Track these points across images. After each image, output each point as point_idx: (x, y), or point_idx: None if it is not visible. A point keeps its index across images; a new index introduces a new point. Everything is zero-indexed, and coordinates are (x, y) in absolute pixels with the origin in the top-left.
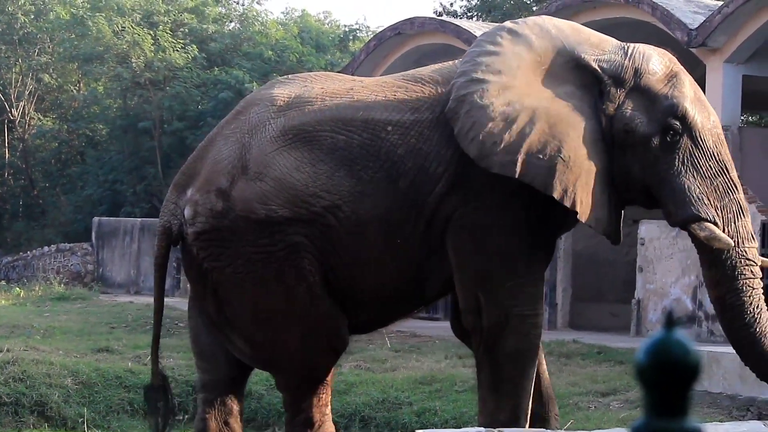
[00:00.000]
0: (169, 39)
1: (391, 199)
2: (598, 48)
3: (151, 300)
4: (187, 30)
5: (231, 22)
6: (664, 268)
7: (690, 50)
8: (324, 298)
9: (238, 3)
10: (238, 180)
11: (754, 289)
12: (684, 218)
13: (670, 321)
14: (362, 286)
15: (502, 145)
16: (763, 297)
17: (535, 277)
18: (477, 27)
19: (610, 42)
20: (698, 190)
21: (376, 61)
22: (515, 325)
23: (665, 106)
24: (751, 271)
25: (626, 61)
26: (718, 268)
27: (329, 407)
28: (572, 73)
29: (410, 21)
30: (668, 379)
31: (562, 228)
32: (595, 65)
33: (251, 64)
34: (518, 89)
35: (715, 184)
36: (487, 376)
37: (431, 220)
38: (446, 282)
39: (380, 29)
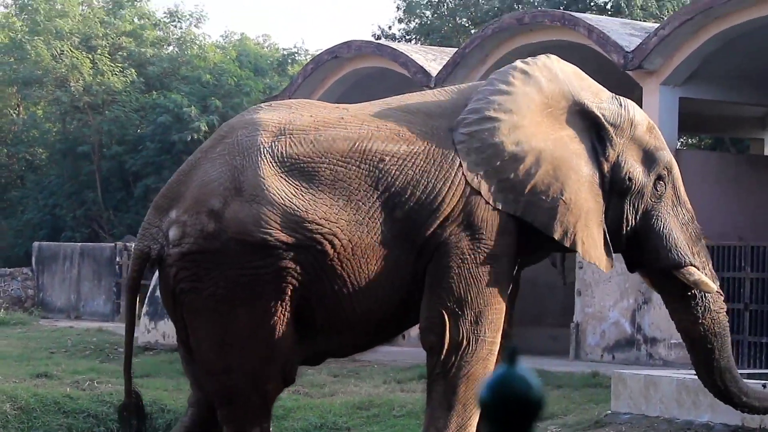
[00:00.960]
0: (108, 63)
1: (387, 228)
2: (598, 96)
3: (90, 325)
4: (125, 54)
5: (169, 45)
6: (603, 291)
7: (626, 73)
8: (291, 324)
9: (176, 26)
10: (232, 202)
11: (725, 322)
12: (673, 264)
13: (513, 357)
14: (348, 312)
15: (509, 184)
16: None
17: (499, 307)
18: (414, 50)
19: (605, 92)
20: (682, 237)
21: (313, 85)
22: (475, 349)
23: (657, 158)
24: (724, 309)
25: (623, 112)
26: (698, 306)
27: None
28: (575, 117)
29: (347, 44)
30: (511, 414)
31: (528, 262)
32: (598, 113)
33: (189, 88)
34: (527, 129)
35: (690, 230)
36: (440, 394)
37: (421, 250)
38: None
39: (318, 52)
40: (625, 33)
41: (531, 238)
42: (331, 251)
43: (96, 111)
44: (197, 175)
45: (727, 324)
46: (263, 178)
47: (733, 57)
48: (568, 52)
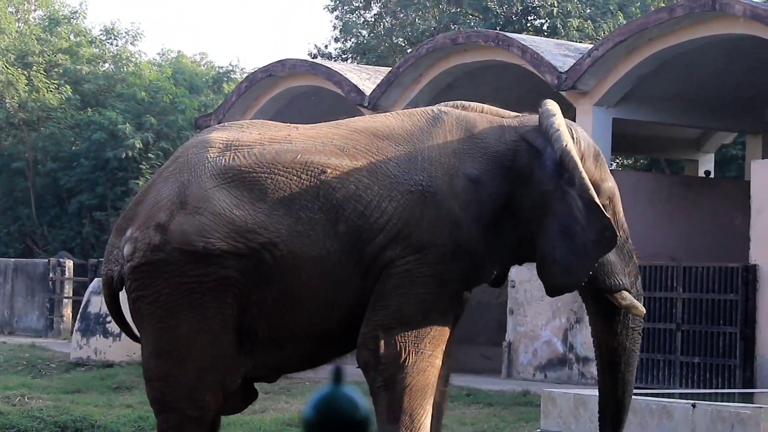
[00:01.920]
0: (44, 79)
1: (331, 241)
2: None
3: (23, 340)
4: (61, 71)
5: (105, 62)
6: (535, 310)
7: (560, 93)
8: (232, 334)
9: (112, 44)
10: (177, 214)
11: (639, 338)
12: (609, 287)
13: (338, 376)
14: (289, 322)
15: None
16: None
17: (440, 325)
18: (348, 69)
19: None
20: (617, 260)
21: (247, 103)
22: (415, 361)
23: (602, 189)
24: (641, 326)
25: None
26: (620, 324)
27: None
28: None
29: (281, 63)
30: None
31: (478, 284)
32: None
33: (125, 105)
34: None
35: (625, 250)
36: (385, 408)
37: (368, 269)
38: None
39: (253, 71)
40: (559, 54)
41: (489, 265)
42: (270, 260)
43: (31, 127)
44: (151, 194)
45: (640, 340)
46: (206, 191)
47: (667, 78)
48: (503, 73)
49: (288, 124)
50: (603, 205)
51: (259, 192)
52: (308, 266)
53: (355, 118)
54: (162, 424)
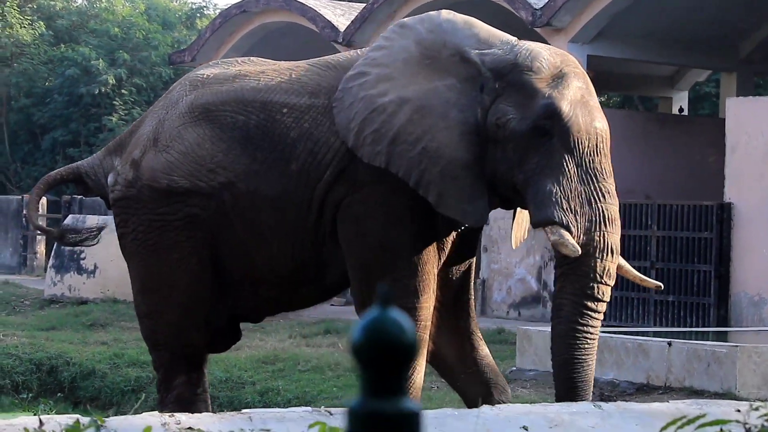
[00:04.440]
0: (17, 15)
1: (285, 180)
2: (486, 43)
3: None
4: (35, 6)
5: None
6: (509, 247)
7: (534, 30)
8: (210, 272)
9: None
10: (149, 151)
11: (591, 311)
12: (539, 220)
13: (386, 299)
14: (257, 262)
15: (372, 136)
16: (597, 318)
17: (417, 271)
18: (323, 5)
19: (500, 37)
20: (560, 193)
21: (221, 39)
22: None
23: (540, 106)
24: (596, 290)
25: (509, 56)
26: (566, 273)
27: (202, 388)
28: (457, 66)
29: None
30: (384, 358)
31: (455, 222)
32: (476, 59)
33: (98, 41)
34: (397, 81)
35: (580, 190)
36: None
37: (321, 207)
38: (347, 270)
39: (227, 7)
40: None
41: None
42: (230, 200)
43: (4, 63)
44: (140, 128)
45: (600, 296)
46: (175, 128)
47: (642, 15)
48: (476, 8)
49: (276, 62)
50: (539, 125)
51: (220, 130)
52: (266, 206)
53: (342, 53)
54: (156, 360)
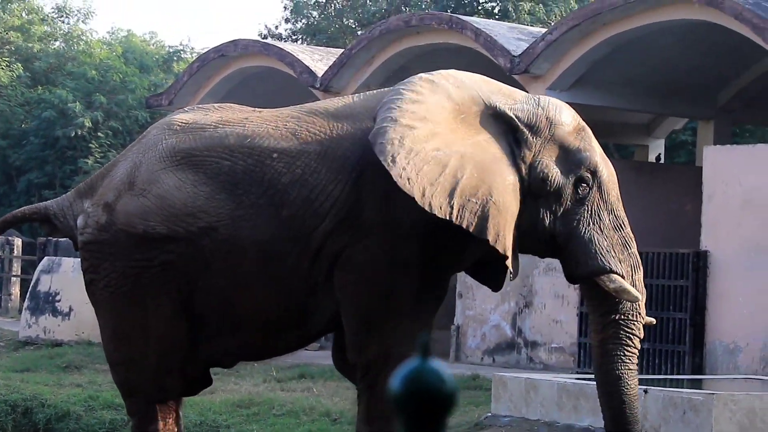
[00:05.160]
0: None
1: (273, 227)
2: (511, 98)
3: None
4: (12, 48)
5: (56, 40)
6: (484, 294)
7: (513, 77)
8: (184, 320)
9: (63, 22)
10: (124, 195)
11: (635, 346)
12: (593, 270)
13: (425, 350)
14: (239, 310)
15: (438, 188)
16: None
17: (420, 317)
18: (301, 50)
19: (519, 93)
20: (605, 243)
21: (199, 83)
22: (396, 364)
23: (579, 159)
24: (639, 328)
25: (539, 111)
26: (611, 315)
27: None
28: (489, 121)
29: (234, 43)
30: (424, 408)
31: (454, 268)
32: (511, 114)
33: (75, 84)
34: (444, 136)
35: (617, 237)
36: (364, 410)
37: (316, 256)
38: (332, 318)
39: (204, 51)
40: (513, 37)
41: (452, 242)
42: (209, 245)
43: None
44: (112, 171)
45: (640, 334)
46: (152, 173)
47: (620, 63)
48: (455, 56)
49: (256, 109)
50: (581, 177)
51: (203, 175)
52: (251, 252)
53: (326, 100)
54: (130, 407)
